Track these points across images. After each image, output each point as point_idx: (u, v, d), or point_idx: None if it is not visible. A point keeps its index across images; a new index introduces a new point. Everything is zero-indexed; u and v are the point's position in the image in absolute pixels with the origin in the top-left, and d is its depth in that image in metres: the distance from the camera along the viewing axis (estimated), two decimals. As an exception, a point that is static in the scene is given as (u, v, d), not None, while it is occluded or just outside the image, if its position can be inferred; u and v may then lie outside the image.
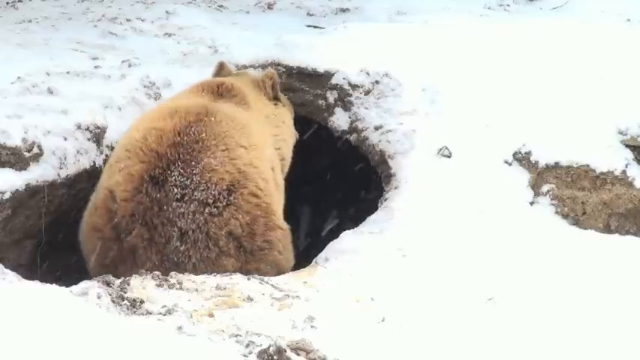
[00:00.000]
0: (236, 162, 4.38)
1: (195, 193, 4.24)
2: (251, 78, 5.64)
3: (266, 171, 4.53)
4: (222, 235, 4.24)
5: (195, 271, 4.18)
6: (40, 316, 2.94)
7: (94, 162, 5.23)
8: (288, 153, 5.53)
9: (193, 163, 4.30)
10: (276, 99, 5.62)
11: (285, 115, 5.67)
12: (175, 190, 4.24)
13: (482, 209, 5.24)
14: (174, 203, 4.22)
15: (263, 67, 6.42)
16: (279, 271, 4.40)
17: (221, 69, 5.65)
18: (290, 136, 5.62)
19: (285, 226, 4.54)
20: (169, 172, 4.27)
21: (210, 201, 4.25)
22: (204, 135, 4.40)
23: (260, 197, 4.37)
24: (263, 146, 4.69)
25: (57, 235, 5.06)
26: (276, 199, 4.54)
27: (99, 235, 4.32)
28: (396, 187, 5.52)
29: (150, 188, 4.24)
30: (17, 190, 4.77)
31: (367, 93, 6.25)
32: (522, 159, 5.78)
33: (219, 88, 5.06)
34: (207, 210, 4.23)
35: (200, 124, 4.46)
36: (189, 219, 4.21)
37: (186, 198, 4.23)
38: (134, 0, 8.23)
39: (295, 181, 5.45)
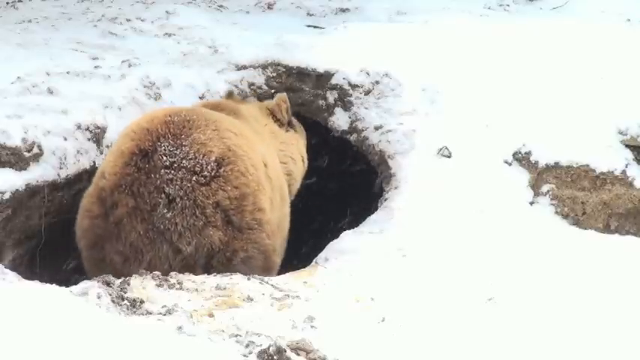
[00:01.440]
0: (225, 141, 4.41)
1: (184, 162, 4.26)
2: (260, 104, 5.72)
3: (256, 160, 4.51)
4: (209, 204, 4.22)
5: (181, 240, 4.17)
6: (40, 316, 2.94)
7: (94, 162, 5.22)
8: (297, 172, 5.57)
9: (183, 136, 4.34)
10: (289, 124, 5.70)
11: (295, 139, 5.72)
12: (164, 158, 4.26)
13: (483, 209, 5.25)
14: (162, 170, 4.23)
15: (263, 67, 6.42)
16: (267, 260, 4.38)
17: (229, 97, 5.75)
18: (300, 157, 5.66)
19: (272, 218, 4.52)
20: (159, 143, 4.31)
21: (198, 169, 4.26)
22: (195, 117, 4.47)
23: (248, 178, 4.36)
24: (254, 141, 4.70)
25: (57, 235, 5.06)
26: (266, 190, 4.51)
27: (88, 214, 4.35)
28: (396, 187, 5.53)
29: (139, 160, 4.27)
30: (17, 190, 4.77)
31: (367, 93, 6.25)
32: (522, 159, 5.78)
33: (207, 105, 5.18)
34: (194, 178, 4.23)
35: (191, 111, 4.57)
36: (177, 185, 4.21)
37: (175, 165, 4.25)
38: (134, 0, 8.23)
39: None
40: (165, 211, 4.19)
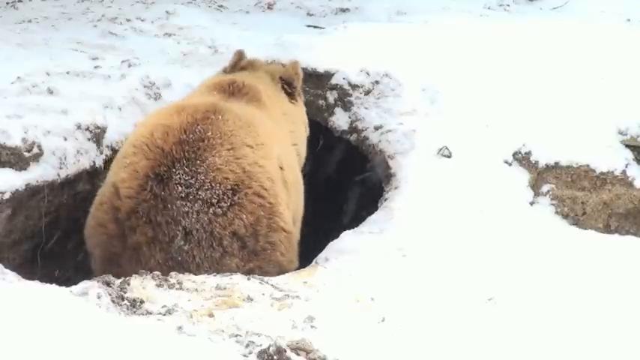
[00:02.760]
0: (241, 161, 4.37)
1: (200, 193, 4.24)
2: (270, 72, 5.54)
3: (273, 170, 4.50)
4: (226, 235, 4.23)
5: (199, 270, 4.17)
6: (40, 316, 2.94)
7: (94, 162, 5.22)
8: (304, 150, 5.54)
9: (198, 161, 4.29)
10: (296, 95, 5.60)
11: (301, 112, 5.64)
12: (180, 188, 4.23)
13: (483, 209, 5.24)
14: (178, 202, 4.22)
15: (263, 67, 6.41)
16: (281, 272, 4.39)
17: (239, 59, 5.52)
18: (305, 131, 5.62)
19: (290, 228, 4.51)
20: (174, 169, 4.27)
21: (215, 201, 4.24)
22: (209, 133, 4.39)
23: (264, 197, 4.35)
24: (271, 145, 4.65)
25: (56, 235, 5.06)
26: (283, 199, 4.51)
27: (103, 230, 4.33)
28: (396, 187, 5.52)
29: (154, 186, 4.24)
30: (17, 190, 4.76)
31: (367, 93, 6.25)
32: (522, 159, 5.78)
33: (230, 87, 5.03)
34: (211, 210, 4.23)
35: (206, 122, 4.46)
36: (194, 218, 4.21)
37: (191, 197, 4.23)
38: (134, 0, 8.23)
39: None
40: (182, 243, 4.21)
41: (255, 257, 4.30)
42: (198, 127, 4.41)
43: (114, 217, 4.29)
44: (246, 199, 4.30)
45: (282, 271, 4.39)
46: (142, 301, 3.55)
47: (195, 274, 4.13)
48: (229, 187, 4.28)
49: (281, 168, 4.63)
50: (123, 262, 4.24)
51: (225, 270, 4.19)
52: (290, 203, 4.65)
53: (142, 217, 4.22)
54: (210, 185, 4.25)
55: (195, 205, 4.22)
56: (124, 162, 4.41)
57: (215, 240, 4.22)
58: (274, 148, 4.67)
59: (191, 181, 4.25)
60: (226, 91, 4.99)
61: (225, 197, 4.26)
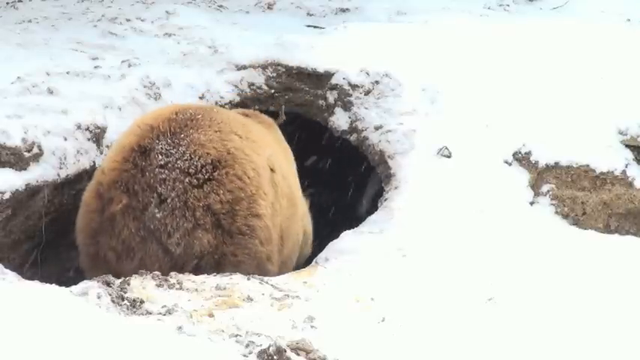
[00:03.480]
0: (226, 143, 4.37)
1: (179, 162, 4.24)
2: None
3: (260, 164, 4.45)
4: (199, 206, 4.20)
5: (170, 240, 4.17)
6: (40, 316, 2.94)
7: (94, 162, 5.22)
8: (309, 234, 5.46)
9: (182, 135, 4.33)
10: None
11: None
12: (160, 157, 4.26)
13: (483, 209, 5.25)
14: (156, 169, 4.23)
15: (263, 67, 6.41)
16: (259, 267, 4.32)
17: None
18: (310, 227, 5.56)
19: (269, 222, 4.42)
20: (157, 141, 4.31)
21: (192, 171, 4.24)
22: (200, 117, 4.45)
23: (246, 183, 4.31)
24: (262, 144, 4.63)
25: (57, 235, 5.06)
26: (267, 195, 4.43)
27: (86, 208, 4.37)
28: (396, 187, 5.53)
29: (137, 157, 4.28)
30: (17, 190, 4.76)
31: (367, 93, 6.25)
32: (522, 159, 5.78)
33: (248, 113, 5.23)
34: (187, 179, 4.22)
35: (200, 110, 4.55)
36: (170, 185, 4.20)
37: (169, 165, 4.24)
38: (134, 0, 8.23)
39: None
40: (156, 211, 4.19)
41: (230, 239, 4.24)
42: (190, 111, 4.49)
43: (97, 193, 4.32)
44: (226, 177, 4.27)
45: (260, 265, 4.33)
46: (142, 301, 3.55)
47: (167, 247, 4.14)
48: (209, 161, 4.27)
49: (272, 170, 4.58)
50: (99, 237, 4.25)
51: (195, 244, 4.17)
52: (278, 207, 4.55)
53: (120, 186, 4.23)
54: (190, 157, 4.26)
55: (173, 173, 4.22)
56: (114, 144, 4.52)
57: (188, 210, 4.19)
58: (266, 149, 4.65)
59: (172, 151, 4.27)
60: (242, 114, 5.11)
61: (203, 170, 4.25)
